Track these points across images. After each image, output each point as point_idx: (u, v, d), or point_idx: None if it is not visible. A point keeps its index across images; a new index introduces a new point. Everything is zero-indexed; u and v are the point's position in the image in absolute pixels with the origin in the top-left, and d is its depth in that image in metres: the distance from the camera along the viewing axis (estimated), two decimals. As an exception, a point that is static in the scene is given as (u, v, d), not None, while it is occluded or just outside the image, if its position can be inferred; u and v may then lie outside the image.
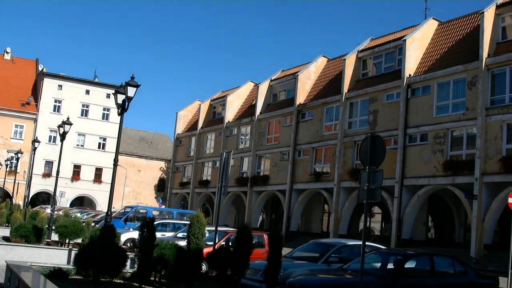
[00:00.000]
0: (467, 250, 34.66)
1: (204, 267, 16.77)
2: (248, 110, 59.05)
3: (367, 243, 19.15)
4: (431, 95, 38.09)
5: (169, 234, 29.35)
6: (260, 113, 55.17)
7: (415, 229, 39.79)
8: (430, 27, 42.66)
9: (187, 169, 68.59)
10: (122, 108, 18.97)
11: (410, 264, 14.98)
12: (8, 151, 66.97)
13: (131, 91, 18.54)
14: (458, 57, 38.06)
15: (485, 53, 34.87)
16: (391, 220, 39.87)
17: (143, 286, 11.48)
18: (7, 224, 29.67)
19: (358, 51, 46.13)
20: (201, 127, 65.55)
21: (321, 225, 51.38)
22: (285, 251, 21.09)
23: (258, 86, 56.92)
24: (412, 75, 39.78)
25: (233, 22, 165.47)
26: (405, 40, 40.48)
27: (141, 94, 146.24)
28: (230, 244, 20.33)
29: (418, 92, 39.27)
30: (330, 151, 45.95)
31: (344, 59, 45.79)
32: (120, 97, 19.07)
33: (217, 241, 20.22)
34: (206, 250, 15.31)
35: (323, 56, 54.37)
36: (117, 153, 19.29)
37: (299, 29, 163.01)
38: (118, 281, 12.91)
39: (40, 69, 77.68)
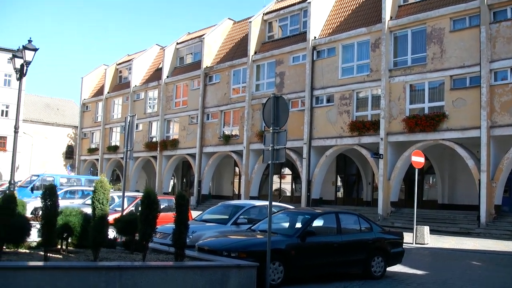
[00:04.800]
0: (375, 208, 35.76)
1: (113, 233, 16.62)
2: (155, 74, 58.39)
3: (276, 203, 19.43)
4: (336, 57, 38.67)
5: (78, 201, 28.91)
6: (167, 76, 54.68)
7: (324, 189, 40.65)
8: (335, -11, 43.09)
9: (95, 135, 67.50)
10: (21, 73, 18.46)
11: (317, 223, 15.22)
12: None
13: (29, 55, 18.00)
14: (361, 20, 38.68)
15: (387, 16, 35.58)
16: (301, 181, 40.54)
17: (48, 254, 11.24)
18: None
19: (263, 14, 46.18)
20: (108, 92, 64.42)
21: (232, 188, 51.78)
22: (198, 214, 21.14)
23: (164, 50, 56.33)
24: (317, 37, 40.19)
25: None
26: (310, 2, 40.70)
27: (44, 59, 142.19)
28: (139, 209, 20.20)
29: (324, 54, 39.78)
30: (238, 113, 46.13)
31: (250, 22, 45.79)
32: (18, 62, 18.51)
33: (125, 206, 20.08)
34: (114, 216, 15.15)
35: (229, 18, 54.19)
36: (18, 119, 18.80)
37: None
38: (23, 250, 12.60)
39: None
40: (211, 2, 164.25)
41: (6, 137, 71.65)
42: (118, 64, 66.01)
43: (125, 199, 19.75)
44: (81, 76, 71.33)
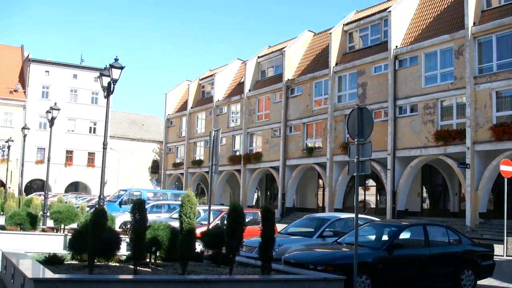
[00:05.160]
0: (463, 219, 34.79)
1: (200, 247, 16.82)
2: (237, 88, 58.95)
3: (361, 216, 19.21)
4: (419, 66, 38.09)
5: (164, 215, 29.36)
6: (249, 90, 55.11)
7: (410, 200, 39.94)
8: (415, -4, 42.51)
9: (179, 150, 68.65)
10: (108, 91, 18.90)
11: (404, 235, 15.01)
12: (-2, 139, 66.56)
13: (115, 73, 18.43)
14: (444, 26, 37.99)
15: (470, 22, 34.81)
16: (385, 193, 40.02)
17: (137, 267, 11.48)
18: (1, 213, 29.51)
19: (343, 24, 45.99)
20: (191, 107, 65.48)
21: (316, 200, 51.54)
22: (282, 227, 21.14)
23: (245, 64, 56.83)
24: (398, 46, 39.71)
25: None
26: (390, 11, 40.32)
27: (129, 77, 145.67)
28: (225, 222, 20.37)
29: (406, 63, 39.24)
30: (321, 125, 46.00)
31: (330, 33, 45.68)
32: (106, 80, 18.98)
33: (211, 220, 20.26)
34: (200, 230, 15.32)
35: (309, 30, 54.24)
36: (106, 136, 19.24)
37: (284, 4, 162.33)
38: (114, 264, 12.91)
39: (25, 55, 76.89)
40: (290, 15, 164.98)
41: (94, 153, 73.77)
42: (200, 79, 67.07)
43: (211, 213, 19.92)
44: (165, 92, 72.79)
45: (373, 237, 15.43)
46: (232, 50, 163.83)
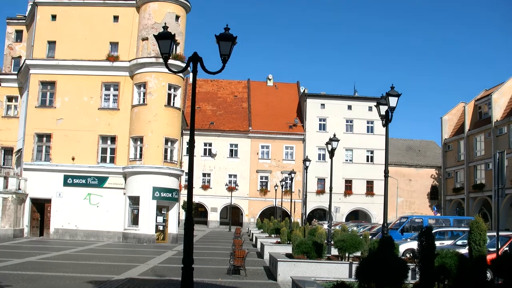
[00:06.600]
0: None
1: (488, 275, 16.18)
2: (517, 106, 56.19)
3: None
4: None
5: (447, 242, 28.71)
6: (531, 107, 52.22)
7: None
8: None
9: (459, 174, 66.91)
10: (386, 119, 19.05)
11: None
12: (281, 172, 70.28)
13: (392, 101, 18.58)
14: None
15: None
16: None
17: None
18: (288, 242, 30.89)
19: None
20: (468, 129, 63.58)
21: None
22: None
23: (525, 80, 54.05)
24: None
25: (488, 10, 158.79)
26: None
27: (401, 103, 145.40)
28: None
29: None
30: None
31: None
32: (383, 108, 19.16)
33: (499, 246, 19.37)
34: (489, 257, 14.74)
35: None
36: (387, 164, 19.34)
37: None
38: (402, 292, 12.90)
39: (301, 91, 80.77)
40: None
41: (372, 181, 74.77)
42: (476, 100, 65.08)
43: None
44: (439, 115, 71.67)
45: None
46: (508, 67, 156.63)
